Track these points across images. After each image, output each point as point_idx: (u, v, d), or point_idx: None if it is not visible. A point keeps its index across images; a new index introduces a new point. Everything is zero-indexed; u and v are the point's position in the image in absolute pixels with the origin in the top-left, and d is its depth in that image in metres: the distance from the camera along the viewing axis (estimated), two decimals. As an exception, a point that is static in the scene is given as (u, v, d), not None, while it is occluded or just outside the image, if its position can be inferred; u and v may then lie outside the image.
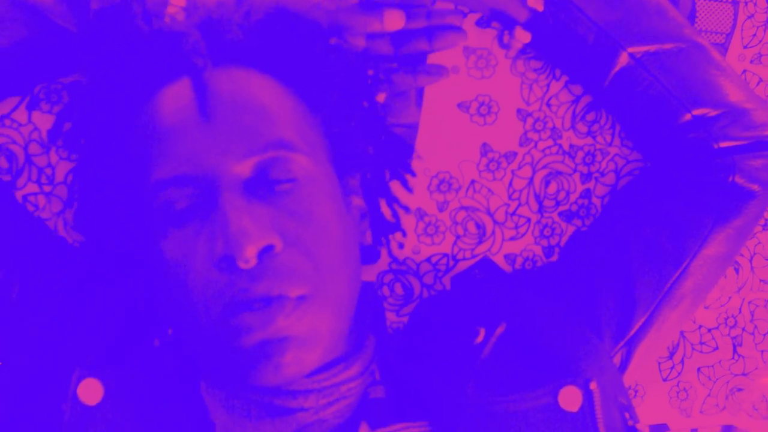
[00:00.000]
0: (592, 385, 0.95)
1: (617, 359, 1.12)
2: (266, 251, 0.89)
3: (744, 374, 1.32)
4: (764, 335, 1.32)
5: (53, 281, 1.04)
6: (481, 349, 1.00)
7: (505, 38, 1.17)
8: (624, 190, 1.24)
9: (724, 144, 1.12)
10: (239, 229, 0.87)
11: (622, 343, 1.11)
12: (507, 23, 1.15)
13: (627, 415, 0.99)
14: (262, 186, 0.93)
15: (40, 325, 0.99)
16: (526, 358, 1.00)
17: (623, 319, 1.11)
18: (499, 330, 1.01)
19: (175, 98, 0.96)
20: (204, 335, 0.93)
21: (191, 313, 0.92)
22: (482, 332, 1.02)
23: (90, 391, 0.91)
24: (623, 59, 1.12)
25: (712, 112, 1.12)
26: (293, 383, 0.94)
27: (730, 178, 1.12)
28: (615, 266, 1.12)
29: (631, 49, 1.12)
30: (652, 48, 1.12)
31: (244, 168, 0.92)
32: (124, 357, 0.96)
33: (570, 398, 0.95)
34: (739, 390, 1.33)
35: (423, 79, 1.15)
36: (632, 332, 1.11)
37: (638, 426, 0.98)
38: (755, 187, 1.12)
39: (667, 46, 1.12)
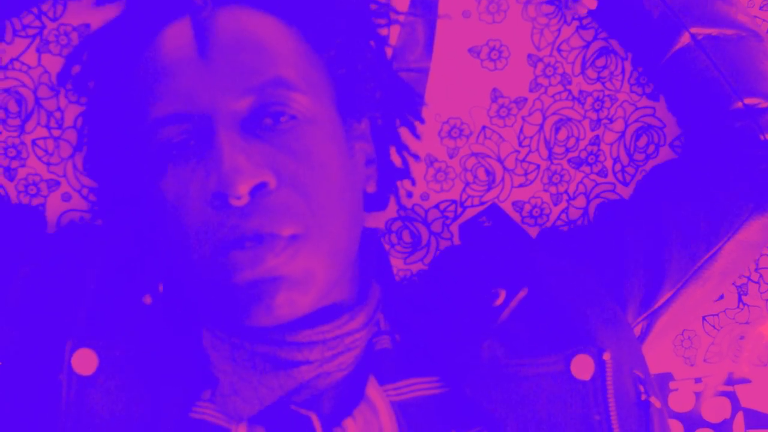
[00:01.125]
0: (606, 356, 0.95)
1: (637, 331, 1.12)
2: (259, 188, 0.89)
3: (748, 323, 1.33)
4: (769, 284, 1.33)
5: (38, 257, 1.04)
6: (500, 311, 1.00)
7: (570, 3, 1.18)
8: (664, 166, 1.24)
9: None
10: (232, 166, 0.87)
11: (644, 315, 1.12)
12: None
13: (641, 388, 0.98)
14: (260, 124, 0.93)
15: (31, 301, 0.98)
16: (544, 323, 1.00)
17: (650, 292, 1.11)
18: (521, 294, 1.01)
19: (176, 37, 0.96)
20: (199, 275, 0.93)
21: (187, 252, 0.92)
22: (503, 295, 1.01)
23: (84, 362, 0.91)
24: (685, 38, 1.13)
25: (764, 104, 1.13)
26: (298, 335, 0.94)
27: None
28: (649, 239, 1.12)
29: (693, 30, 1.13)
30: (714, 32, 1.13)
31: (242, 105, 0.92)
32: (116, 322, 0.96)
33: (582, 367, 0.95)
34: (742, 338, 1.33)
35: None
36: (656, 305, 1.12)
37: (651, 399, 0.98)
38: None
39: (729, 32, 1.13)
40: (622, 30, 1.19)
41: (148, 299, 0.98)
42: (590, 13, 1.19)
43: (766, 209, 1.13)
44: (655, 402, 0.98)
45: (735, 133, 1.14)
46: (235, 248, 0.89)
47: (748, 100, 1.13)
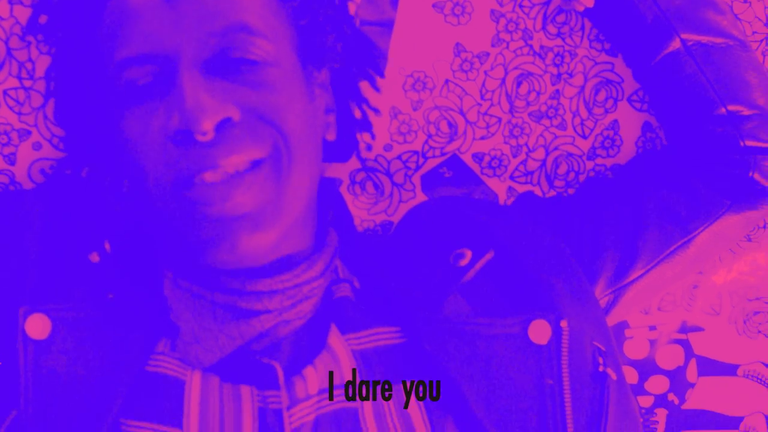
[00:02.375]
0: (563, 323, 0.97)
1: (603, 303, 1.15)
2: (224, 123, 0.92)
3: (701, 273, 1.35)
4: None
5: None
6: (464, 271, 1.02)
7: (567, 1, 1.20)
8: (650, 154, 1.28)
9: (750, 143, 1.16)
10: (195, 104, 0.90)
11: (612, 290, 1.15)
12: None
13: (600, 360, 0.99)
14: (222, 66, 0.95)
15: None
16: (507, 286, 1.02)
17: (621, 268, 1.14)
18: (487, 257, 1.03)
19: None
20: (162, 213, 0.95)
21: (149, 190, 0.95)
22: (468, 255, 1.03)
23: (38, 326, 0.91)
24: (675, 44, 1.16)
25: (746, 111, 1.16)
26: (258, 284, 0.96)
27: (750, 174, 1.16)
28: (627, 218, 1.15)
29: (684, 36, 1.15)
30: (704, 39, 1.15)
31: (204, 48, 0.94)
32: (65, 284, 0.97)
33: (539, 331, 0.97)
34: (695, 288, 1.36)
35: None
36: (625, 282, 1.15)
37: (608, 371, 0.99)
38: None
39: (718, 40, 1.16)
40: (616, 30, 1.22)
41: (95, 257, 0.99)
42: (585, 11, 1.21)
43: (742, 209, 1.17)
44: (612, 374, 0.99)
45: (717, 137, 1.17)
46: (196, 180, 0.92)
47: (731, 107, 1.16)
